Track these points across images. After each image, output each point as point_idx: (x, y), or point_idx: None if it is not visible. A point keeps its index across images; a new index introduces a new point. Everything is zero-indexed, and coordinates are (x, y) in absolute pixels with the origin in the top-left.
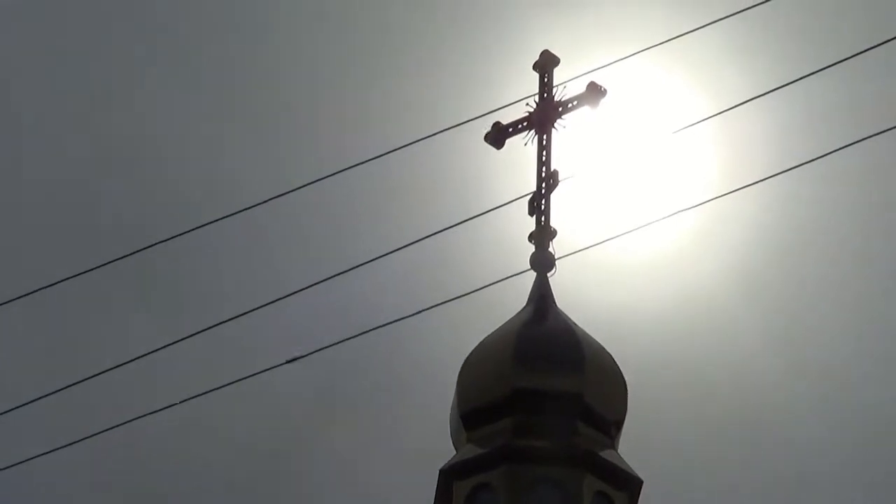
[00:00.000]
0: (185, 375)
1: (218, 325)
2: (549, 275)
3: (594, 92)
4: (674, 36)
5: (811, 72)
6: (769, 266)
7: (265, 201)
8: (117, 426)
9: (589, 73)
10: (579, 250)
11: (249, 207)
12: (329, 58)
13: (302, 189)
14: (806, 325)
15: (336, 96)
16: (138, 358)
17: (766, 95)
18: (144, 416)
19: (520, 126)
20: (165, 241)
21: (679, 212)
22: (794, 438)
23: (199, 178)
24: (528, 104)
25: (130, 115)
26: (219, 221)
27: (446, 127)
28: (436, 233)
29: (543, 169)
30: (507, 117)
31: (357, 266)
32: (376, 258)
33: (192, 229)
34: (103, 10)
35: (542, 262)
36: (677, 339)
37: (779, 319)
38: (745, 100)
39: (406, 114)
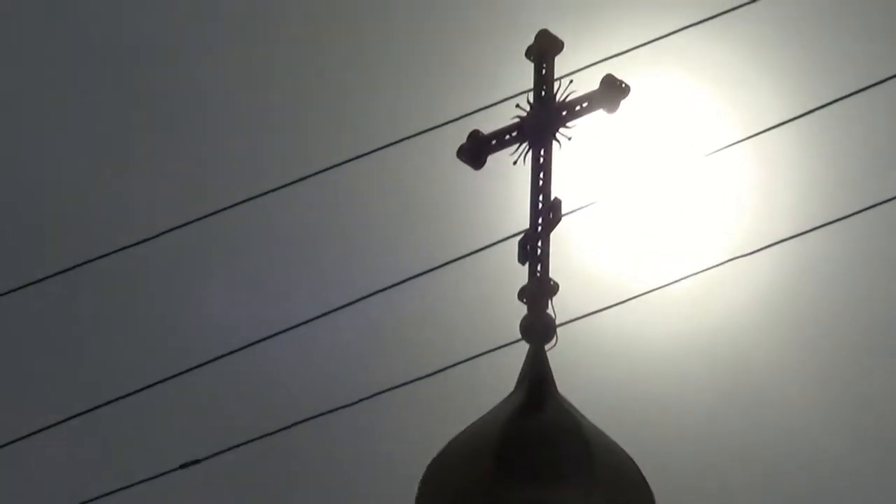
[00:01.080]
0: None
1: (86, 412)
2: (546, 347)
3: (612, 89)
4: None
5: None
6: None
7: (163, 233)
8: None
9: (604, 61)
10: (590, 313)
11: (143, 241)
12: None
13: (215, 215)
14: (870, 397)
15: (261, 98)
16: None
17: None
18: None
19: (507, 137)
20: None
21: (733, 259)
22: None
23: (80, 205)
24: (518, 106)
25: None
26: (95, 261)
27: (403, 137)
28: (389, 287)
29: (540, 198)
30: (489, 123)
31: (278, 333)
32: (307, 322)
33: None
34: None
35: (538, 328)
36: (722, 430)
37: (841, 394)
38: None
39: (349, 119)
